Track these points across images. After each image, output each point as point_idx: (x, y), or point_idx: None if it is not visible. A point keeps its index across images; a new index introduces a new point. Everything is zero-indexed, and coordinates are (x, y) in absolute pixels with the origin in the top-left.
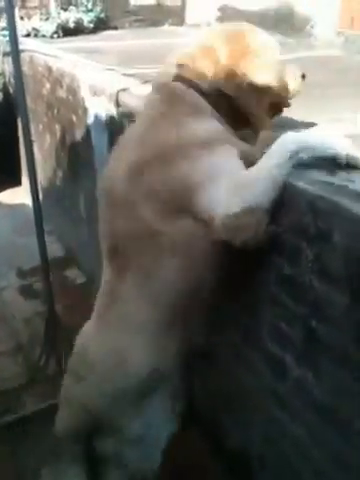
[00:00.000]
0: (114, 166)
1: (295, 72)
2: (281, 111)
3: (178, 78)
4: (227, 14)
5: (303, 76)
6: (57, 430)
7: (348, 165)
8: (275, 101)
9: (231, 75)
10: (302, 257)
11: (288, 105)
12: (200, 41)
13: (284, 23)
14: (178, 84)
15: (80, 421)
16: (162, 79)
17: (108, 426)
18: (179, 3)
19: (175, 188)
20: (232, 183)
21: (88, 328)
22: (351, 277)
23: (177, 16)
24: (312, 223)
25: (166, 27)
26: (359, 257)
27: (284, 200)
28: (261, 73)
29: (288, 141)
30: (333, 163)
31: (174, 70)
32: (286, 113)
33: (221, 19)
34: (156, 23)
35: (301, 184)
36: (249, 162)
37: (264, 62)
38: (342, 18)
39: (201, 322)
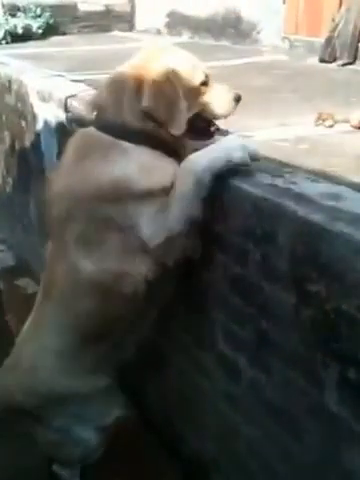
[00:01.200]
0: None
1: (223, 95)
2: (206, 136)
3: (97, 122)
4: (175, 20)
5: (237, 99)
6: None
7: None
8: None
9: (134, 108)
10: (250, 258)
11: (213, 130)
12: (118, 73)
13: (231, 29)
14: (92, 132)
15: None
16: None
17: (31, 414)
18: (128, 9)
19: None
20: (151, 220)
21: (25, 328)
22: (296, 277)
23: (126, 22)
24: (257, 225)
25: (115, 33)
26: (303, 257)
27: (230, 203)
28: (150, 101)
29: (188, 168)
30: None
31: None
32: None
33: (169, 25)
34: (105, 29)
35: (245, 187)
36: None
37: (158, 90)
38: (287, 24)
39: (126, 337)
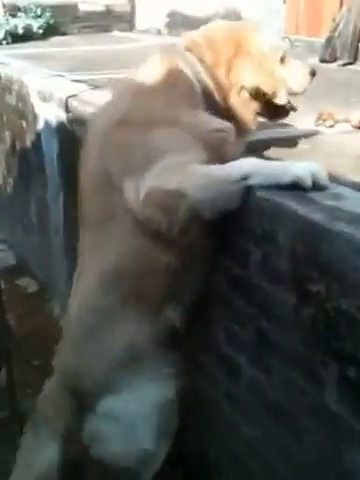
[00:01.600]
0: (100, 115)
1: (302, 70)
2: (282, 114)
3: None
4: (176, 20)
5: (312, 73)
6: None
7: (315, 187)
8: (271, 104)
9: (221, 74)
10: (250, 258)
11: (293, 109)
12: (206, 31)
13: None
14: (178, 68)
15: (65, 386)
16: (169, 55)
17: (88, 398)
18: (128, 9)
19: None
20: (181, 166)
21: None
22: (297, 277)
23: (126, 22)
24: (258, 225)
25: (115, 33)
26: (304, 257)
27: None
28: (251, 76)
29: (242, 164)
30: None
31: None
32: None
33: (170, 25)
34: (105, 29)
35: None
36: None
37: (257, 66)
38: (287, 24)
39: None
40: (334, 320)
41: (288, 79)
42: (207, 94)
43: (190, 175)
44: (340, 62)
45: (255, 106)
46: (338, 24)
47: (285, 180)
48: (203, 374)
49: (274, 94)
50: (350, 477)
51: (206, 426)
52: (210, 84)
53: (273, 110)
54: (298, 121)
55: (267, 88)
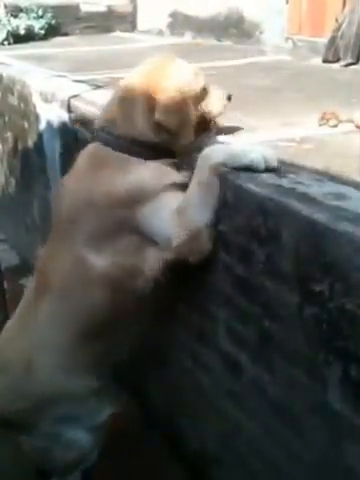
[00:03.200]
0: (59, 198)
1: (217, 96)
2: (207, 129)
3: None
4: (177, 20)
5: (229, 98)
6: None
7: (267, 169)
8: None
9: (148, 121)
10: (254, 258)
11: (212, 124)
12: (126, 84)
13: (234, 29)
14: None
15: None
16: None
17: (18, 423)
18: (130, 10)
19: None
20: (172, 216)
21: (8, 329)
22: (300, 277)
23: (128, 23)
24: (262, 224)
25: (117, 33)
26: (308, 257)
27: (234, 202)
28: (163, 115)
29: (205, 159)
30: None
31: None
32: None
33: (171, 25)
34: (107, 30)
35: (250, 186)
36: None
37: (171, 104)
38: (290, 24)
39: (124, 334)
40: (337, 319)
41: (209, 106)
42: (155, 151)
43: (188, 209)
44: (343, 62)
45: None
46: (341, 24)
47: (243, 162)
48: (205, 372)
49: (180, 132)
50: (352, 475)
51: (207, 423)
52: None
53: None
54: (302, 121)
55: (173, 127)
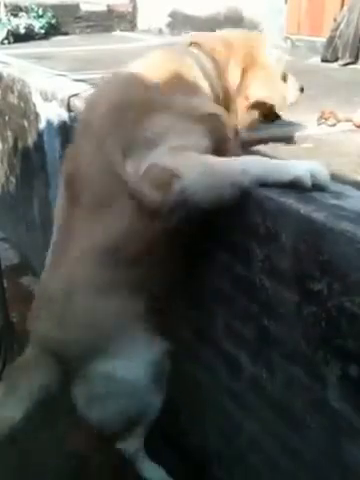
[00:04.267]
0: (98, 99)
1: (294, 84)
2: (272, 119)
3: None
4: (177, 20)
5: (301, 89)
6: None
7: (315, 187)
8: (269, 113)
9: (234, 76)
10: (253, 257)
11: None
12: (221, 34)
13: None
14: (179, 58)
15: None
16: (170, 49)
17: (73, 364)
18: (130, 9)
19: (149, 136)
20: (182, 150)
21: (47, 265)
22: (299, 276)
23: (128, 22)
24: (261, 224)
25: (117, 33)
26: (306, 255)
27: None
28: (261, 90)
29: (248, 159)
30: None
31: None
32: None
33: (171, 25)
34: (107, 29)
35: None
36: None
37: (267, 78)
38: (289, 23)
39: (160, 263)
40: (336, 318)
41: (286, 93)
42: (210, 88)
43: (189, 159)
44: (341, 62)
45: (255, 114)
46: (339, 24)
47: (284, 179)
48: (204, 370)
49: (275, 107)
50: (351, 473)
51: (208, 422)
52: (215, 81)
53: (267, 117)
54: (300, 120)
55: (271, 101)
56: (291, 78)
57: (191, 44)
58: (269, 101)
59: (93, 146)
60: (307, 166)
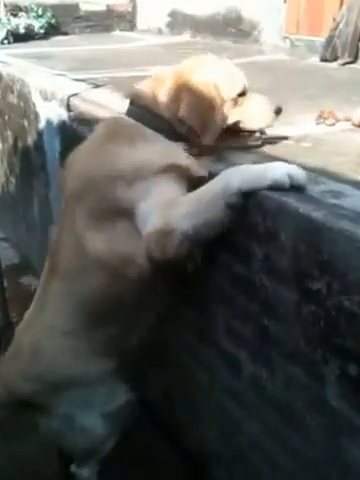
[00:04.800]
0: (64, 179)
1: (264, 106)
2: (246, 141)
3: (133, 104)
4: (177, 19)
5: (277, 111)
6: None
7: (293, 187)
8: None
9: (173, 107)
10: (252, 256)
11: (256, 136)
12: (155, 74)
13: (232, 28)
14: (121, 119)
15: (5, 394)
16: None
17: (34, 404)
18: (130, 9)
19: (111, 206)
20: (162, 204)
21: (28, 312)
22: (298, 275)
23: (128, 22)
24: (261, 223)
25: (117, 32)
26: (305, 255)
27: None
28: (187, 112)
29: (222, 176)
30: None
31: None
32: None
33: (171, 24)
34: (107, 29)
35: None
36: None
37: (195, 102)
38: (288, 23)
39: (133, 322)
40: (335, 317)
41: (245, 116)
42: (172, 135)
43: (173, 208)
44: (341, 61)
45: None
46: (338, 23)
47: (264, 184)
48: (204, 370)
49: (202, 132)
50: (351, 471)
51: (207, 420)
52: (166, 116)
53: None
54: (299, 120)
55: (195, 125)
56: (258, 99)
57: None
58: (188, 121)
59: (68, 220)
60: (284, 169)
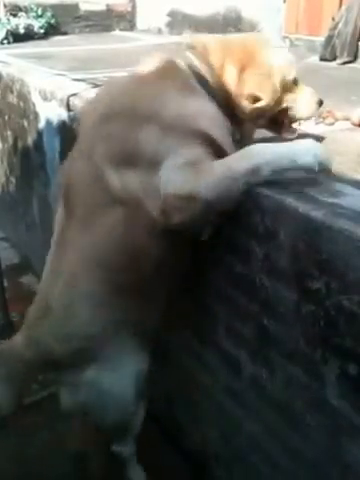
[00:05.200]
0: (89, 109)
1: (310, 97)
2: (283, 131)
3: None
4: (176, 19)
5: (320, 103)
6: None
7: (321, 169)
8: (276, 118)
9: (231, 77)
10: (252, 256)
11: (293, 128)
12: (219, 37)
13: (232, 28)
14: (172, 62)
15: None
16: (164, 53)
17: (65, 365)
18: (129, 9)
19: (136, 149)
20: (190, 167)
21: (47, 266)
22: (298, 274)
23: (127, 21)
24: (260, 222)
25: (116, 32)
26: (304, 254)
27: None
28: (257, 90)
29: (251, 151)
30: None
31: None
32: None
33: (170, 24)
34: (106, 28)
35: None
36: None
37: (264, 81)
38: (288, 22)
39: (151, 283)
40: (334, 317)
41: (295, 103)
42: (207, 91)
43: (200, 173)
44: (340, 60)
45: (261, 120)
46: (337, 23)
47: (292, 166)
48: (204, 369)
49: (273, 110)
50: (351, 471)
51: (207, 420)
52: (211, 84)
53: (274, 124)
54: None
55: (267, 104)
56: (306, 89)
57: (186, 47)
58: (260, 96)
59: (84, 158)
60: (314, 152)
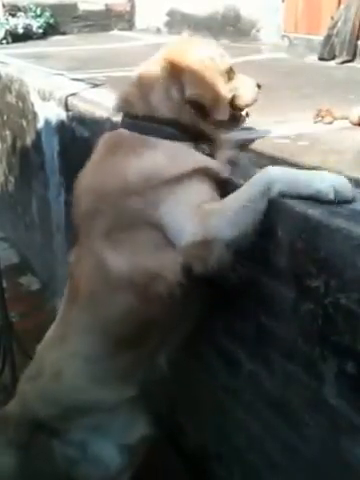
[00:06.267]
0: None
1: (248, 82)
2: (237, 122)
3: (126, 115)
4: (175, 19)
5: (258, 86)
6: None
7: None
8: (233, 113)
9: (172, 99)
10: (250, 254)
11: (244, 116)
12: (143, 68)
13: (230, 27)
14: (121, 131)
15: (23, 414)
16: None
17: (50, 427)
18: (128, 8)
19: (127, 221)
20: (198, 213)
21: (48, 334)
22: (296, 272)
23: (126, 21)
24: (258, 221)
25: (115, 32)
26: (302, 253)
27: None
28: (195, 89)
29: (263, 176)
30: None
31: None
32: None
33: (169, 24)
34: (105, 28)
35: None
36: (218, 179)
37: (199, 78)
38: (286, 22)
39: (162, 343)
40: (332, 315)
41: (236, 91)
42: (175, 131)
43: (209, 216)
44: (339, 60)
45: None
46: (336, 22)
47: (306, 192)
48: (203, 368)
49: (215, 107)
50: (350, 469)
51: (207, 420)
52: (160, 116)
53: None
54: (297, 119)
55: (207, 101)
56: (242, 76)
57: (121, 101)
58: (201, 100)
59: (81, 230)
60: (330, 181)
